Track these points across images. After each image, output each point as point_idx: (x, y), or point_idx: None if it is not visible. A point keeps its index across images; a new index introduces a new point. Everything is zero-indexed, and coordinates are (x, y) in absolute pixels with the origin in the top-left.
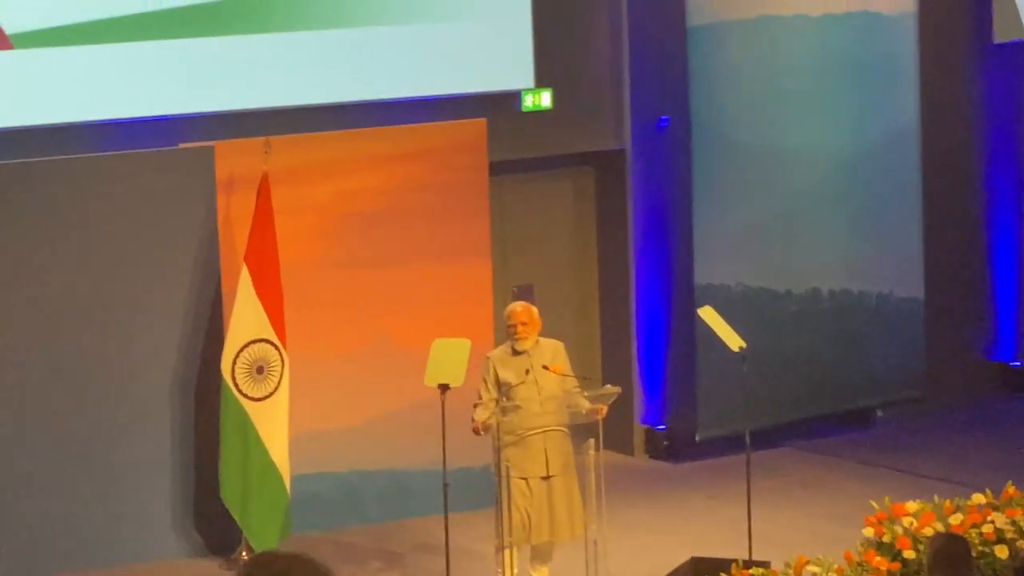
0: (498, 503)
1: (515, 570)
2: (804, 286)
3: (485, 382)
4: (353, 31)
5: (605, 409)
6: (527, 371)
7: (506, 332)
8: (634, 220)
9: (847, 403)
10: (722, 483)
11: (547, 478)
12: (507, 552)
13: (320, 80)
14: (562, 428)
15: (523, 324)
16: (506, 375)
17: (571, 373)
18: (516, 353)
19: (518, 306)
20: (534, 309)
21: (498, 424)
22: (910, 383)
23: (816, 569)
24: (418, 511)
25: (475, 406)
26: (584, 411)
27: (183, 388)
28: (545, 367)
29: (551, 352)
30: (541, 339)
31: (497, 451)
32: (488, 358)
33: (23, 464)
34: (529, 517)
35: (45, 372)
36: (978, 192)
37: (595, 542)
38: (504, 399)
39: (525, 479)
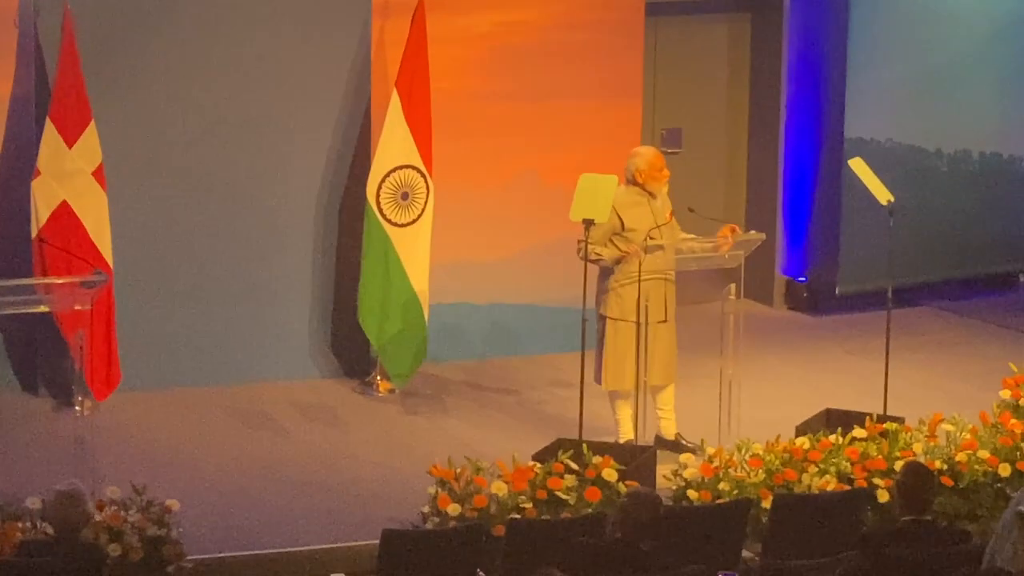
0: (600, 343)
1: (631, 412)
2: (954, 146)
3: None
4: None
5: (730, 241)
6: (670, 214)
7: (638, 174)
8: (788, 69)
9: (991, 266)
10: (860, 338)
11: (662, 323)
12: (623, 401)
13: None
14: (672, 276)
15: (666, 169)
16: (630, 217)
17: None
18: (648, 196)
19: (657, 151)
20: None
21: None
22: None
23: (950, 428)
24: (553, 347)
25: (582, 241)
26: (713, 246)
27: (328, 211)
28: (690, 209)
29: (667, 201)
30: None
31: (607, 292)
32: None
33: (167, 278)
34: (639, 360)
35: (193, 186)
36: None
37: (729, 384)
38: (621, 240)
39: (638, 323)
